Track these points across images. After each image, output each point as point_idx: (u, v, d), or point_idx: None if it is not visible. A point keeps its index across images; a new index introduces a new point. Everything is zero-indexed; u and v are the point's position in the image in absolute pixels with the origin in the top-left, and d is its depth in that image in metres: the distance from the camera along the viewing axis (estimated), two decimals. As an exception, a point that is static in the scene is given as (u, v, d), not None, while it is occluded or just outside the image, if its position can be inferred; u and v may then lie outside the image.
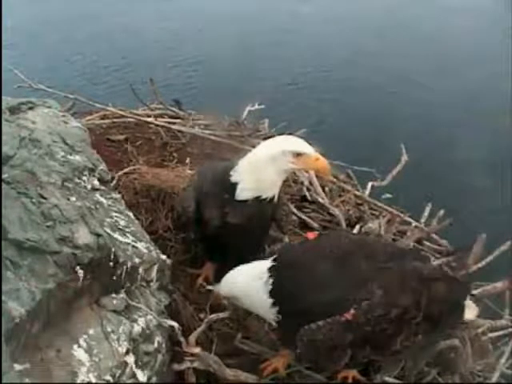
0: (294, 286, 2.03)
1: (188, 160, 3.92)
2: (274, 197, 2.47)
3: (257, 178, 2.41)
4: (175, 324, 2.18)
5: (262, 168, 2.38)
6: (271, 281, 2.05)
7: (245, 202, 2.44)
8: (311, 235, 2.35)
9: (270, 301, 2.04)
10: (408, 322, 2.03)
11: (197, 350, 2.23)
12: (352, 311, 1.93)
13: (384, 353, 2.10)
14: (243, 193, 2.44)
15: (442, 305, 2.12)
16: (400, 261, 2.16)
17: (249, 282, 2.11)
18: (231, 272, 2.19)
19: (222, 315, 2.41)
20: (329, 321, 1.93)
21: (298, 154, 2.35)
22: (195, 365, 2.25)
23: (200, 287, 2.82)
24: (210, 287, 2.43)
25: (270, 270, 2.08)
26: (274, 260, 2.12)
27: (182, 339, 2.20)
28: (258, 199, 2.43)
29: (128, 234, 2.22)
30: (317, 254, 2.13)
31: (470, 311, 2.34)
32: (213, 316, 2.40)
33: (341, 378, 2.38)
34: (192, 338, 2.29)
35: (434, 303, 2.08)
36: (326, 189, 3.94)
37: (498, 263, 3.19)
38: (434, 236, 3.67)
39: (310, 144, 2.40)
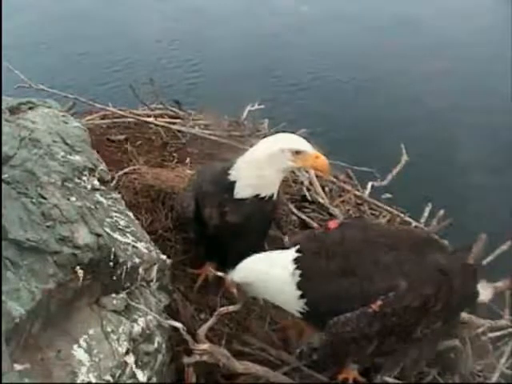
0: (323, 278, 2.03)
1: (188, 160, 3.93)
2: (272, 195, 2.47)
3: (255, 176, 2.41)
4: (179, 325, 2.17)
5: (260, 166, 2.38)
6: (299, 272, 2.04)
7: (244, 200, 2.44)
8: (333, 224, 2.31)
9: (299, 293, 2.04)
10: (428, 311, 2.06)
11: (206, 345, 2.21)
12: (379, 302, 1.94)
13: (406, 341, 2.11)
14: (242, 191, 2.43)
15: (460, 294, 2.18)
16: (422, 252, 2.18)
17: (271, 270, 2.09)
18: (249, 259, 2.16)
19: (232, 308, 2.37)
20: (357, 313, 1.94)
21: (296, 152, 2.34)
22: (205, 358, 2.23)
23: (211, 274, 2.77)
24: (220, 274, 2.35)
25: (296, 260, 2.07)
26: (298, 251, 2.11)
27: (188, 338, 2.18)
28: (257, 197, 2.43)
29: (128, 234, 2.22)
30: (343, 245, 2.11)
31: (488, 291, 2.40)
32: (223, 309, 2.35)
33: (341, 379, 2.39)
34: (201, 332, 2.26)
35: (453, 293, 2.12)
36: (326, 189, 3.94)
37: (498, 263, 3.19)
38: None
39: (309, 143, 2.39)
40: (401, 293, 1.98)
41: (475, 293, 2.30)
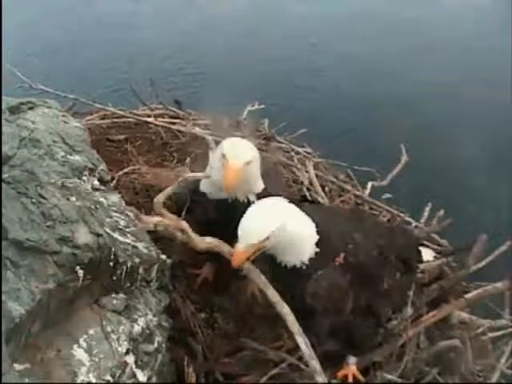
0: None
1: (188, 160, 3.92)
2: (236, 197, 2.46)
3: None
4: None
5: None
6: None
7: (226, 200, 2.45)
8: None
9: None
10: (387, 261, 2.28)
11: (158, 218, 2.24)
12: (342, 255, 2.10)
13: (377, 293, 2.25)
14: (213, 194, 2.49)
15: (409, 247, 2.51)
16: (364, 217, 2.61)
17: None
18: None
19: None
20: (327, 269, 2.09)
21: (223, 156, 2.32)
22: (166, 222, 2.26)
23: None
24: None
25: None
26: None
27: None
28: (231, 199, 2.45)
29: (128, 234, 2.21)
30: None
31: (428, 254, 2.83)
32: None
33: (341, 377, 2.39)
34: (158, 199, 2.34)
35: (402, 246, 2.41)
36: (326, 189, 3.95)
37: (498, 263, 3.19)
38: (434, 236, 3.67)
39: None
40: (358, 244, 2.17)
41: (419, 252, 2.61)
